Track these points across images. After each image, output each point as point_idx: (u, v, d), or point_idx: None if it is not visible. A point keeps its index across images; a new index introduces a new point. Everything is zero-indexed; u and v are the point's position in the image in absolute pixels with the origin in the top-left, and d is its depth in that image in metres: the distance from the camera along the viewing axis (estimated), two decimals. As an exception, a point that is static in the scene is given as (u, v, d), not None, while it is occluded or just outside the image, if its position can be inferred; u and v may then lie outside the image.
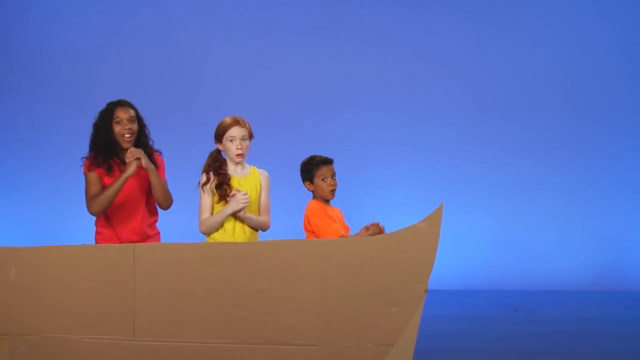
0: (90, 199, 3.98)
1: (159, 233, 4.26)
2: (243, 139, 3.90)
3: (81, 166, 4.09)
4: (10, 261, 3.34)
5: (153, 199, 4.17)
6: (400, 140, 7.65)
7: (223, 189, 3.87)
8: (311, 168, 4.05)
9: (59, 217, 7.39)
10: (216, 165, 3.93)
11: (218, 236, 3.89)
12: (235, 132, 3.89)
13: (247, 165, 4.01)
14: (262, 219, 3.98)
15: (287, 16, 7.84)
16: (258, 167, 4.06)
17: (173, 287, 3.22)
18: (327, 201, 4.09)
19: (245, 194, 3.84)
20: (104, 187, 3.99)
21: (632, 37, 7.61)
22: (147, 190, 4.16)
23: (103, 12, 7.95)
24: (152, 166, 4.01)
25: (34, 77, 7.95)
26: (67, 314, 3.29)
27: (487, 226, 7.51)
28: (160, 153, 4.26)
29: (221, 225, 3.87)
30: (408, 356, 3.09)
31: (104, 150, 4.03)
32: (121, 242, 4.00)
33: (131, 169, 3.93)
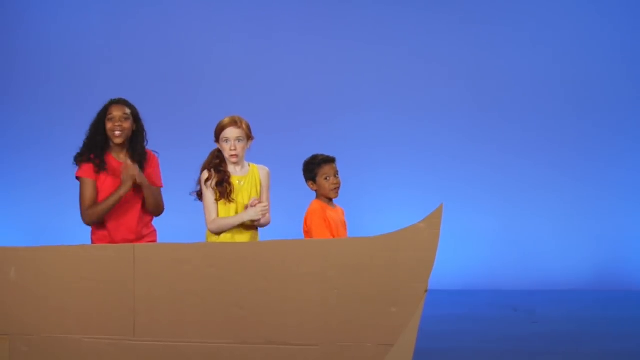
0: (84, 210, 4.03)
1: (155, 231, 4.27)
2: (238, 140, 3.87)
3: (73, 164, 4.11)
4: (10, 261, 3.34)
5: None
6: (400, 140, 7.65)
7: (223, 187, 3.87)
8: (313, 167, 4.05)
9: (59, 217, 7.38)
10: (216, 163, 3.93)
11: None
12: (229, 133, 3.87)
13: (246, 164, 4.00)
14: (263, 215, 3.98)
15: (287, 16, 7.85)
16: (258, 164, 4.05)
17: (173, 287, 3.22)
18: (330, 200, 4.08)
19: (265, 205, 3.84)
20: (98, 193, 4.02)
21: (632, 37, 7.61)
22: (143, 190, 4.19)
23: (103, 12, 7.96)
24: (146, 182, 4.05)
25: (34, 77, 7.96)
26: (67, 314, 3.29)
27: (487, 226, 7.52)
28: (157, 153, 4.27)
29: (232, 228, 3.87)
30: (408, 356, 3.08)
31: (95, 146, 4.07)
32: (117, 241, 4.01)
33: (126, 186, 3.97)
